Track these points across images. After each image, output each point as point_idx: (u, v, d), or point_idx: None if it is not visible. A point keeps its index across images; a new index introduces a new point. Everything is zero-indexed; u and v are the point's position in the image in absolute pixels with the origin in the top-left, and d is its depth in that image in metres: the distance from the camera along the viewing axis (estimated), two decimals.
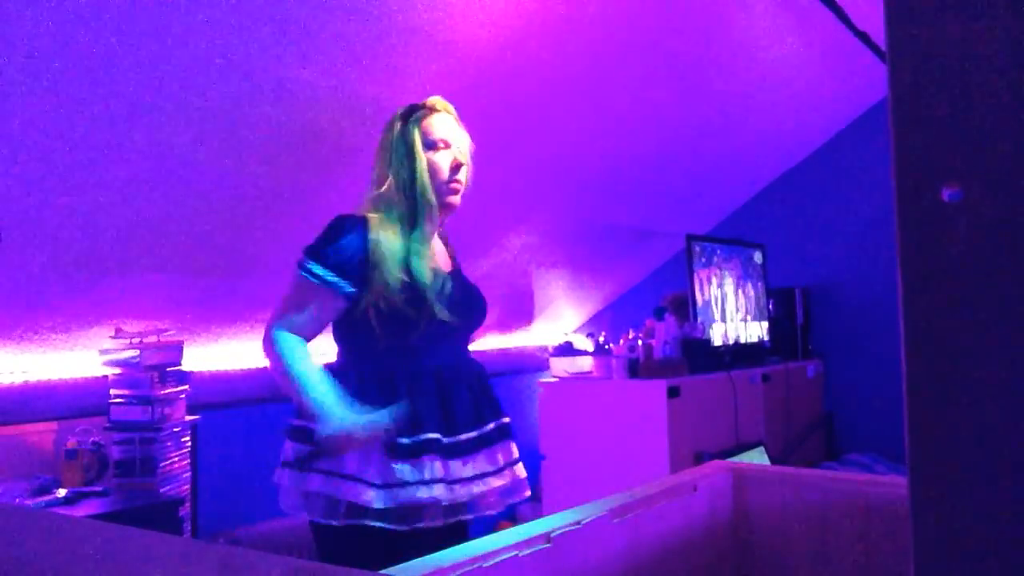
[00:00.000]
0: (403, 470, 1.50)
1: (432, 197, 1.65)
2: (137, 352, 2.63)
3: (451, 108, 1.75)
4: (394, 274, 1.57)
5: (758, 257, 4.00)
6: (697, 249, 3.53)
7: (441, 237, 1.82)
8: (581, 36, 2.56)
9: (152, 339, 2.69)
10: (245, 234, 2.66)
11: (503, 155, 2.97)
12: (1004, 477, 0.39)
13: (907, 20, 0.42)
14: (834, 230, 4.18)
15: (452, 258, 1.83)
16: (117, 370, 2.65)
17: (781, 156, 4.23)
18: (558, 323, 4.70)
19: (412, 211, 1.65)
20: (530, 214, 3.46)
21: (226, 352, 3.18)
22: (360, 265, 1.58)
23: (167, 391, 2.69)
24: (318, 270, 1.57)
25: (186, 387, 2.79)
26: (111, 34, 1.82)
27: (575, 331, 4.72)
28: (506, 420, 1.70)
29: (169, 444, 2.69)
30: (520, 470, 1.69)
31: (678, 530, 1.05)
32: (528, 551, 0.82)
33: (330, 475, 1.52)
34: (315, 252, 1.60)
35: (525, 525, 0.88)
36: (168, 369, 2.70)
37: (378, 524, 1.49)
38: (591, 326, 4.72)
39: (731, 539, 1.17)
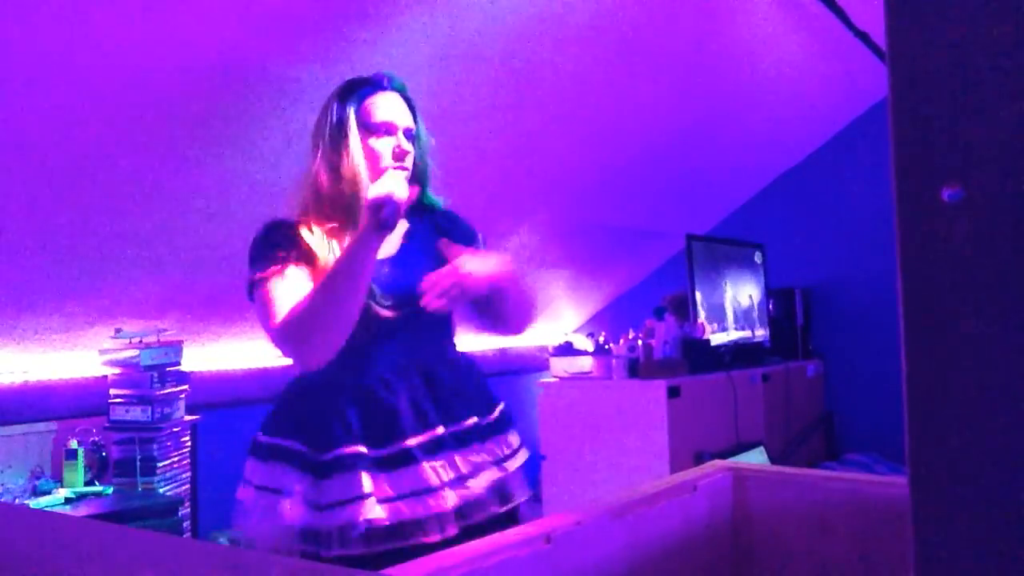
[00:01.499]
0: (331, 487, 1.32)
1: (363, 191, 1.37)
2: (137, 352, 2.63)
3: (400, 85, 1.48)
4: None
5: (758, 257, 4.00)
6: (697, 249, 3.53)
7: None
8: (581, 36, 2.56)
9: (152, 339, 2.69)
10: (245, 234, 2.65)
11: (503, 155, 2.97)
12: (1004, 477, 0.39)
13: (907, 20, 0.42)
14: (834, 230, 4.18)
15: (407, 237, 1.52)
16: (117, 370, 2.65)
17: (781, 156, 4.23)
18: (558, 323, 4.70)
19: (344, 206, 1.39)
20: (530, 214, 3.46)
21: (226, 352, 3.18)
22: (285, 238, 1.39)
23: (167, 391, 2.69)
24: (259, 271, 1.37)
25: (186, 387, 2.79)
26: (111, 34, 1.82)
27: (575, 331, 4.72)
28: (469, 422, 1.42)
29: (169, 444, 2.69)
30: (491, 474, 1.41)
31: (678, 530, 1.05)
32: (528, 551, 0.82)
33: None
34: (251, 263, 1.41)
35: (525, 525, 0.88)
36: (168, 369, 2.70)
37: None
38: (591, 326, 4.72)
39: (731, 539, 1.17)
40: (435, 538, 1.31)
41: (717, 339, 3.56)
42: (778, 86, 3.42)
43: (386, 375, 1.39)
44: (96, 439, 2.67)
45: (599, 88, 2.88)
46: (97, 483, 2.61)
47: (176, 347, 2.76)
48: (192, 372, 2.86)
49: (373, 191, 1.27)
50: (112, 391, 2.65)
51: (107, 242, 2.38)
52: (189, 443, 2.79)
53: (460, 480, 1.37)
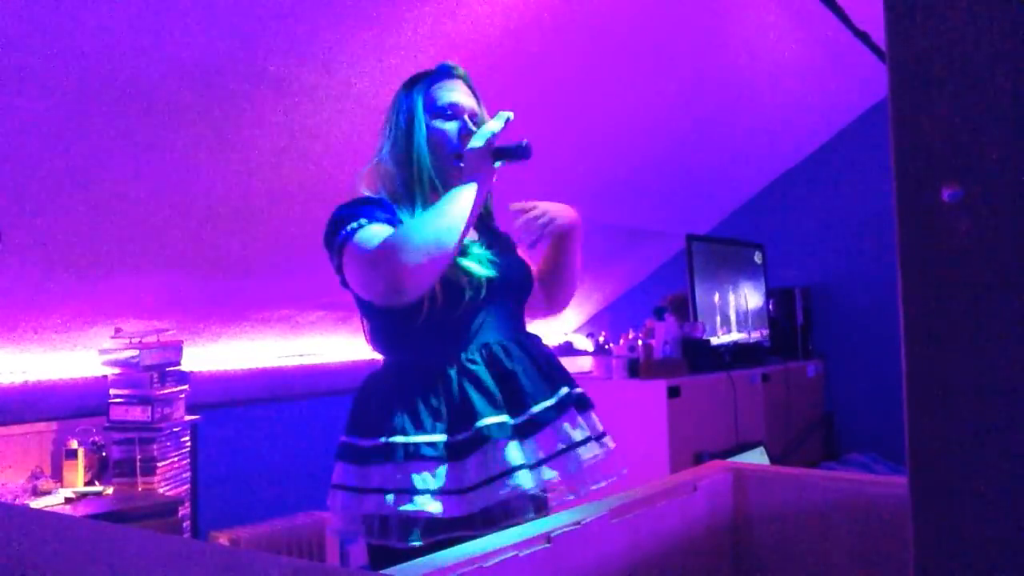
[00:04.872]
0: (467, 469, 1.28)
1: (431, 171, 1.41)
2: (137, 352, 2.63)
3: (463, 72, 1.52)
4: None
5: (758, 257, 4.00)
6: (697, 249, 3.53)
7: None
8: (581, 37, 2.56)
9: (152, 339, 2.69)
10: (245, 234, 2.66)
11: None
12: (1004, 477, 0.39)
13: (907, 20, 0.42)
14: (834, 230, 4.18)
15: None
16: (117, 370, 2.65)
17: (781, 156, 4.23)
18: (558, 323, 4.70)
19: (410, 188, 1.41)
20: None
21: (226, 352, 3.18)
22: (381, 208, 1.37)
23: (167, 391, 2.69)
24: (348, 228, 1.32)
25: (186, 387, 2.79)
26: (111, 34, 1.82)
27: (575, 331, 4.72)
28: (564, 391, 1.42)
29: (169, 444, 2.69)
30: (588, 450, 1.37)
31: (678, 530, 1.05)
32: (528, 551, 0.82)
33: (389, 492, 1.27)
34: (335, 230, 1.34)
35: (525, 525, 0.88)
36: (168, 369, 2.70)
37: (461, 533, 1.22)
38: (591, 326, 4.72)
39: (731, 539, 1.17)
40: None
41: (717, 339, 3.56)
42: (778, 86, 3.42)
43: (484, 348, 1.38)
44: (96, 439, 2.67)
45: (599, 88, 2.88)
46: (97, 483, 2.61)
47: (176, 347, 2.76)
48: (192, 372, 2.86)
49: (476, 138, 1.35)
50: (112, 391, 2.65)
51: (107, 242, 2.38)
52: (189, 443, 2.79)
53: (585, 441, 1.37)
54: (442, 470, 1.29)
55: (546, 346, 1.53)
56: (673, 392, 3.04)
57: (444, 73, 1.50)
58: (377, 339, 1.45)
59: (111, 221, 2.32)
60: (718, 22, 2.82)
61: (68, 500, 2.45)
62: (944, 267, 0.41)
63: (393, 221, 1.35)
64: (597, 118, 3.07)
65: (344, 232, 1.32)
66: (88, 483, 2.59)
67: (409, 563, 0.76)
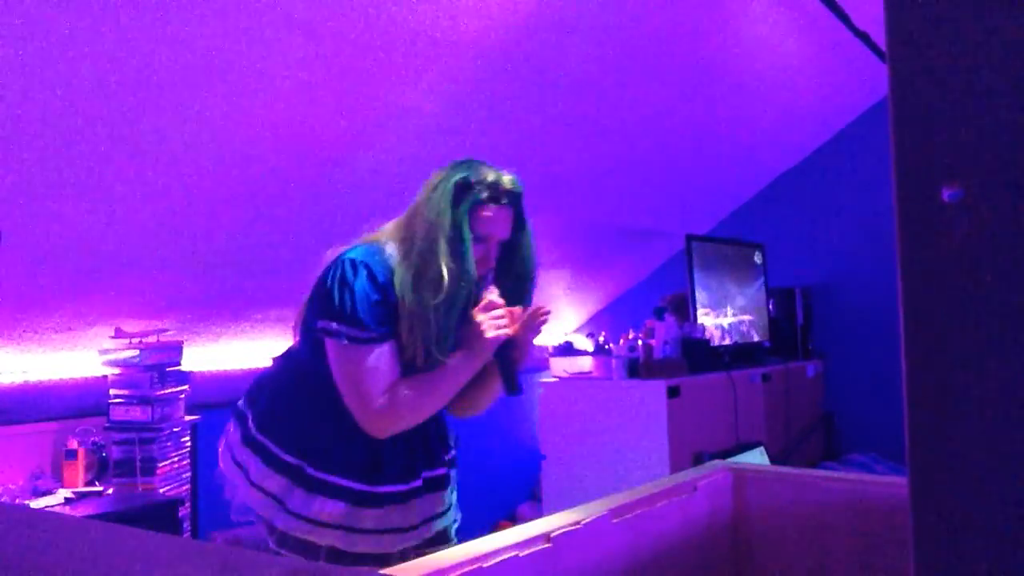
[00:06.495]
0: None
1: (467, 287, 1.46)
2: (137, 352, 2.63)
3: (517, 198, 1.54)
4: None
5: (758, 257, 4.00)
6: (697, 249, 3.53)
7: None
8: (581, 36, 2.56)
9: (152, 339, 2.69)
10: (245, 234, 2.66)
11: (503, 155, 2.97)
12: (1004, 477, 0.39)
13: (907, 20, 0.42)
14: (834, 230, 4.18)
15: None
16: (117, 370, 2.65)
17: (781, 156, 4.23)
18: (558, 323, 4.70)
19: (450, 292, 1.43)
20: (530, 214, 3.45)
21: (226, 352, 3.18)
22: (385, 308, 1.44)
23: (167, 391, 2.69)
24: (361, 335, 1.41)
25: (186, 387, 2.79)
26: (111, 35, 1.82)
27: (575, 331, 4.72)
28: (440, 472, 1.58)
29: (169, 444, 2.69)
30: (433, 526, 1.56)
31: (678, 530, 1.05)
32: (528, 551, 0.82)
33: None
34: (344, 316, 1.42)
35: (525, 525, 0.88)
36: (168, 369, 2.70)
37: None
38: (591, 326, 4.72)
39: (731, 539, 1.17)
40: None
41: (717, 339, 3.56)
42: (778, 86, 3.42)
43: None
44: (96, 439, 2.67)
45: (599, 88, 2.88)
46: (97, 483, 2.61)
47: (176, 347, 2.76)
48: (192, 372, 2.86)
49: (492, 328, 1.45)
50: (112, 391, 2.65)
51: (107, 242, 2.38)
52: (189, 443, 2.79)
53: (432, 518, 1.55)
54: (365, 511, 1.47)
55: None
56: (673, 392, 3.04)
57: (497, 199, 1.49)
58: (312, 372, 1.50)
59: (111, 221, 2.32)
60: (718, 22, 2.82)
61: (68, 500, 2.45)
62: (944, 267, 0.41)
63: (384, 328, 1.42)
64: (597, 118, 3.07)
65: (345, 333, 1.40)
66: (88, 483, 2.59)
67: (409, 563, 0.76)
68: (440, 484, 1.58)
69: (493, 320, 1.45)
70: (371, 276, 1.43)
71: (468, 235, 1.44)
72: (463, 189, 1.45)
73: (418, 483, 1.52)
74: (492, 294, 1.48)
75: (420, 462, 1.54)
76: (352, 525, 1.45)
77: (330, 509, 1.44)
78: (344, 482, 1.46)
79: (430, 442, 1.58)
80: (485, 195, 1.46)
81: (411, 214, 1.49)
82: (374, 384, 1.41)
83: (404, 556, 1.47)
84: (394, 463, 1.50)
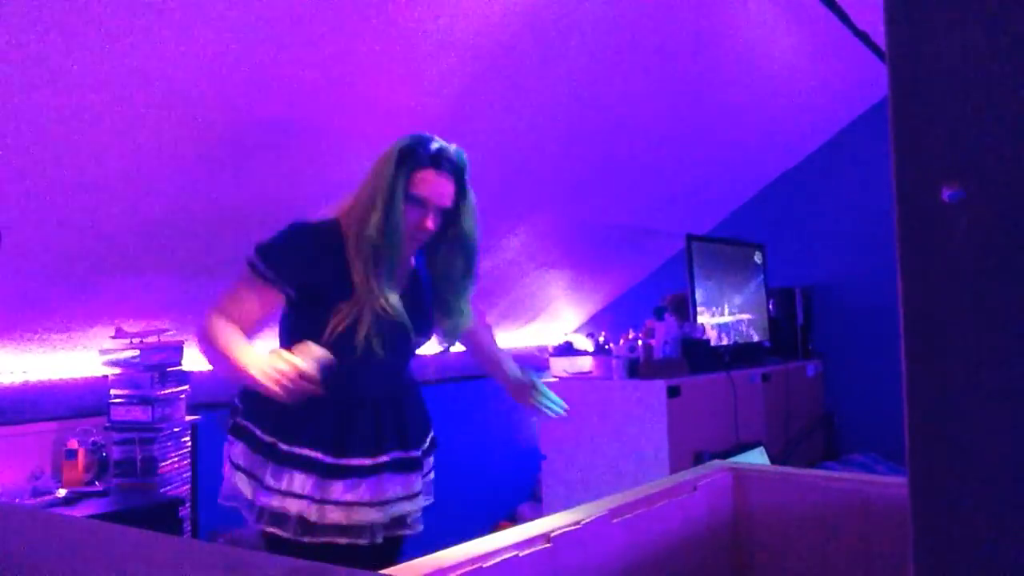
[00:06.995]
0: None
1: (396, 243, 1.58)
2: (137, 352, 2.63)
3: (457, 168, 1.63)
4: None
5: (758, 257, 4.00)
6: (697, 249, 3.53)
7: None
8: (580, 36, 2.56)
9: (152, 339, 2.69)
10: (245, 234, 2.65)
11: (503, 155, 2.97)
12: (1004, 477, 0.39)
13: (907, 20, 0.42)
14: (834, 230, 4.18)
15: (411, 276, 1.75)
16: (117, 370, 2.65)
17: (781, 156, 4.23)
18: (558, 323, 4.70)
19: (377, 247, 1.57)
20: (530, 214, 3.46)
21: None
22: (306, 269, 1.59)
23: (167, 391, 2.68)
24: (260, 266, 1.59)
25: (186, 387, 2.79)
26: (112, 35, 1.82)
27: (575, 331, 4.72)
28: (414, 454, 1.69)
29: (169, 444, 2.69)
30: (402, 507, 1.65)
31: (678, 530, 1.05)
32: (528, 551, 0.82)
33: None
34: (264, 249, 1.61)
35: (525, 525, 0.88)
36: (168, 369, 2.70)
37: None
38: (591, 326, 4.72)
39: (731, 539, 1.17)
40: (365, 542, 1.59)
41: (717, 339, 3.56)
42: (778, 86, 3.42)
43: (366, 397, 1.64)
44: (96, 439, 2.67)
45: (599, 87, 2.88)
46: (97, 483, 2.61)
47: (176, 347, 2.76)
48: (192, 372, 2.86)
49: (271, 366, 1.42)
50: (112, 391, 2.65)
51: (107, 242, 2.38)
52: (189, 443, 2.79)
53: (402, 499, 1.64)
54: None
55: (410, 399, 1.77)
56: (673, 392, 3.04)
57: (436, 164, 1.60)
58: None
59: (111, 221, 2.32)
60: (717, 21, 2.82)
61: (68, 500, 2.45)
62: (944, 267, 0.41)
63: (283, 281, 1.60)
64: (597, 117, 3.07)
65: (251, 263, 1.61)
66: (88, 483, 2.59)
67: (409, 563, 0.76)
68: (411, 466, 1.67)
69: (274, 368, 1.40)
70: (304, 227, 1.62)
71: (400, 195, 1.56)
72: (406, 154, 1.59)
73: (385, 459, 1.62)
74: (310, 348, 1.46)
75: (390, 441, 1.64)
76: (322, 497, 1.55)
77: (300, 480, 1.54)
78: (313, 454, 1.56)
79: (405, 425, 1.68)
80: (426, 161, 1.59)
81: (362, 181, 1.64)
82: (228, 304, 1.59)
83: (373, 531, 1.58)
84: (360, 437, 1.60)
